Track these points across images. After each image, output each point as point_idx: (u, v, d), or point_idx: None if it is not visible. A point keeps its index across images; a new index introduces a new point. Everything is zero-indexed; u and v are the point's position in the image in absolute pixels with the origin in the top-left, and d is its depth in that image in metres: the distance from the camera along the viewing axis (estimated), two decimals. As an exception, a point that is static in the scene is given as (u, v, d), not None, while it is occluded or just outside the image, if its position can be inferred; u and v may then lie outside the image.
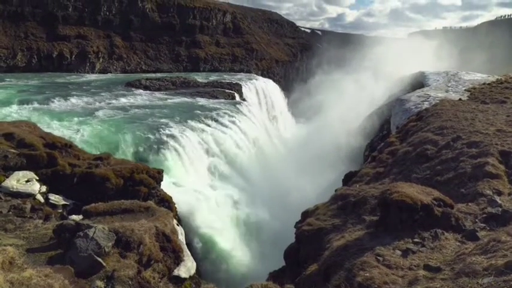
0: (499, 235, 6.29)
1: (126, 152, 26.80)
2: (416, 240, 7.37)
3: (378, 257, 6.92)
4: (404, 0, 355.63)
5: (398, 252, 7.06)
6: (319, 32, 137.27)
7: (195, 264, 10.02)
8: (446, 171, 11.59)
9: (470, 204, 8.96)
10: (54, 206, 12.54)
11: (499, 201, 8.66)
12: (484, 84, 31.93)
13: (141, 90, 50.86)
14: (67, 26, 65.02)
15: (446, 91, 29.54)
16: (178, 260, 9.19)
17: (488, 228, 7.62)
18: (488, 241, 6.14)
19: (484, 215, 8.17)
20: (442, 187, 10.35)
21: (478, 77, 38.55)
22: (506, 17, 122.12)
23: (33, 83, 49.37)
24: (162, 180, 17.93)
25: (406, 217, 7.80)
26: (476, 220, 8.08)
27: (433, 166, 12.39)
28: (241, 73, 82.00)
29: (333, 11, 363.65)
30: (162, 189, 17.56)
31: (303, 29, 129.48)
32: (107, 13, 70.45)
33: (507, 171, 10.83)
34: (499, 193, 9.34)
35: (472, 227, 7.69)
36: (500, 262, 5.14)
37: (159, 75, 66.22)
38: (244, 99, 56.06)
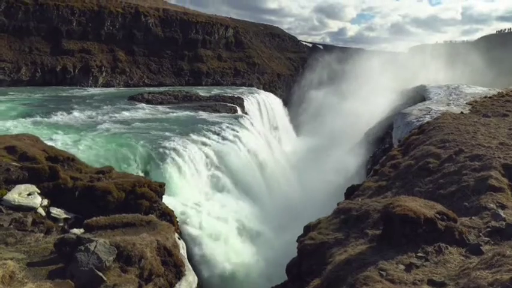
0: (503, 249, 6.23)
1: (128, 165, 26.81)
2: (419, 254, 7.30)
3: (381, 272, 6.85)
4: (405, 15, 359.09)
5: (402, 267, 6.98)
6: (320, 46, 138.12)
7: (196, 278, 9.94)
8: (449, 184, 11.54)
9: (473, 218, 8.89)
10: (55, 220, 12.49)
11: (503, 215, 8.59)
12: (485, 97, 32.02)
13: (143, 104, 51.12)
14: (71, 40, 65.72)
15: (448, 104, 29.61)
16: (179, 274, 9.12)
17: (492, 242, 7.55)
18: (492, 255, 6.08)
19: (488, 229, 8.10)
20: (445, 201, 10.29)
21: (479, 90, 38.69)
22: (507, 31, 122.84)
23: (36, 97, 49.74)
24: (163, 194, 17.88)
25: (409, 231, 7.73)
26: (480, 234, 8.01)
27: (435, 179, 12.34)
28: (243, 87, 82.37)
29: (334, 25, 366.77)
30: (163, 203, 17.50)
31: (304, 43, 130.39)
32: (111, 28, 71.23)
33: (510, 184, 10.77)
34: (503, 207, 9.27)
35: (476, 241, 7.62)
36: (505, 277, 5.08)
37: (161, 89, 66.65)
38: (246, 113, 56.24)
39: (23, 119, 34.93)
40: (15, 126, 31.49)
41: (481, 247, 7.27)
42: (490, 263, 5.83)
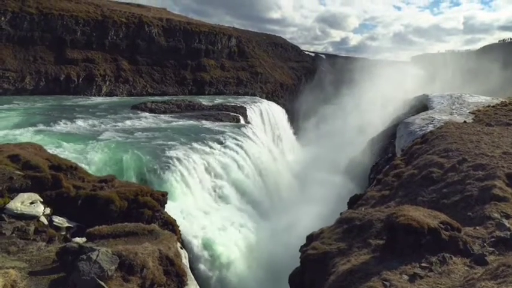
0: (508, 260, 6.17)
1: (131, 174, 26.82)
2: (423, 264, 7.25)
3: (385, 282, 6.80)
4: (407, 25, 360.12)
5: (406, 277, 6.93)
6: (323, 56, 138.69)
7: (198, 288, 9.88)
8: (453, 194, 11.48)
9: (478, 227, 8.83)
10: (57, 228, 12.46)
11: (508, 225, 8.54)
12: (488, 106, 32.01)
13: (146, 113, 51.28)
14: (75, 49, 66.23)
15: (451, 114, 29.59)
16: (181, 284, 9.06)
17: (497, 252, 7.50)
18: (497, 266, 6.03)
19: (493, 239, 8.04)
20: (449, 210, 10.24)
21: (482, 99, 38.67)
22: (508, 40, 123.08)
23: (40, 106, 50.00)
24: (166, 203, 17.82)
25: (413, 241, 7.69)
26: (485, 244, 7.95)
27: (439, 189, 12.28)
28: (246, 96, 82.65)
29: (336, 35, 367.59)
30: (166, 212, 17.44)
31: (307, 52, 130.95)
32: (114, 37, 71.79)
33: (515, 194, 10.70)
34: (507, 216, 9.21)
35: (481, 251, 7.56)
36: (510, 288, 5.02)
37: (164, 98, 66.91)
38: (248, 122, 56.33)
39: (27, 128, 35.06)
40: (19, 135, 31.61)
41: (486, 257, 7.21)
42: (495, 273, 5.77)
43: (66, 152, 27.42)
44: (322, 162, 50.99)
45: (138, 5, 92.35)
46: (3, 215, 11.27)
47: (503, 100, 35.55)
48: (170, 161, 29.48)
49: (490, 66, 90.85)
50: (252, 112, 62.28)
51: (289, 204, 37.16)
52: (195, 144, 34.73)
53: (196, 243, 24.51)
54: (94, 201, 14.35)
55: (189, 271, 10.25)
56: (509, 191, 10.78)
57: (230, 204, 32.43)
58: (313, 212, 31.24)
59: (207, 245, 25.10)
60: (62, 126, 38.04)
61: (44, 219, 12.24)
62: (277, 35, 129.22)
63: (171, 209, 20.11)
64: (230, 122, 51.11)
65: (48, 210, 12.79)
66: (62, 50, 64.68)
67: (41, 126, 36.38)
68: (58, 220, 12.77)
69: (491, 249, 7.66)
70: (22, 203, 12.08)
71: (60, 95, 60.65)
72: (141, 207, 15.59)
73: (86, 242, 9.10)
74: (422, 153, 17.23)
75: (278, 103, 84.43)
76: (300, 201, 37.33)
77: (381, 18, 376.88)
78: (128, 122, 43.50)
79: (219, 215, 29.43)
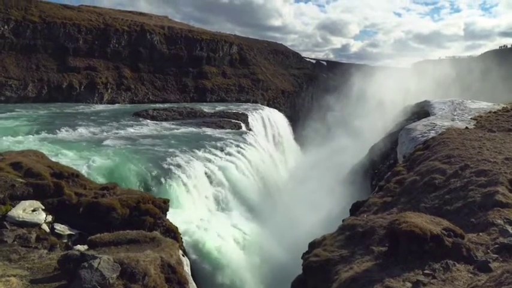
0: (512, 266, 6.12)
1: (133, 181, 26.81)
2: (426, 271, 7.20)
3: (388, 289, 6.75)
4: (408, 31, 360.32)
5: (409, 285, 6.89)
6: (324, 63, 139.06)
7: (200, 296, 9.83)
8: (455, 200, 11.43)
9: (481, 234, 8.79)
10: (59, 236, 12.45)
11: (511, 231, 8.49)
12: (490, 112, 31.96)
13: (148, 120, 51.39)
14: (77, 57, 66.63)
15: (452, 120, 29.56)
16: (183, 291, 9.02)
17: (501, 259, 7.45)
18: (501, 273, 5.98)
19: (496, 246, 8.00)
20: (452, 217, 10.18)
21: (483, 105, 38.64)
22: (509, 46, 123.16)
23: (42, 113, 50.15)
24: (168, 210, 17.80)
25: (416, 248, 7.65)
26: (488, 251, 7.91)
27: (441, 195, 12.23)
28: (248, 103, 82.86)
29: (337, 42, 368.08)
30: (168, 219, 17.42)
31: (308, 59, 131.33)
32: (116, 45, 72.22)
33: (517, 200, 10.64)
34: (511, 223, 9.16)
35: (484, 258, 7.51)
36: (515, 295, 4.98)
37: (166, 105, 67.12)
38: (250, 129, 56.38)
39: (29, 135, 35.15)
40: (21, 143, 31.67)
41: (490, 264, 7.17)
42: (499, 280, 5.73)
43: (68, 159, 27.44)
44: (324, 169, 50.91)
45: (140, 13, 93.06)
46: (5, 223, 11.27)
47: (505, 106, 35.51)
48: (172, 168, 29.49)
49: (490, 72, 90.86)
50: (254, 119, 62.38)
51: (291, 210, 37.05)
52: (196, 152, 34.75)
53: (197, 251, 24.43)
54: (96, 209, 14.34)
55: (191, 279, 10.22)
56: (512, 197, 10.73)
57: (232, 211, 32.35)
58: (315, 219, 31.13)
59: (208, 253, 25.01)
60: (64, 133, 38.12)
61: (45, 227, 12.24)
62: (278, 42, 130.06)
63: (172, 216, 20.09)
64: (232, 129, 51.17)
65: (49, 218, 12.79)
66: (64, 58, 65.09)
67: (43, 134, 36.48)
68: (60, 228, 12.76)
69: (494, 255, 7.62)
70: (24, 210, 12.09)
71: (63, 103, 60.89)
72: (143, 214, 15.57)
73: (88, 249, 9.08)
74: (424, 159, 17.20)
75: (279, 110, 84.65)
76: (302, 207, 37.22)
77: (381, 24, 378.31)
78: (130, 130, 43.59)
79: (220, 222, 29.35)
